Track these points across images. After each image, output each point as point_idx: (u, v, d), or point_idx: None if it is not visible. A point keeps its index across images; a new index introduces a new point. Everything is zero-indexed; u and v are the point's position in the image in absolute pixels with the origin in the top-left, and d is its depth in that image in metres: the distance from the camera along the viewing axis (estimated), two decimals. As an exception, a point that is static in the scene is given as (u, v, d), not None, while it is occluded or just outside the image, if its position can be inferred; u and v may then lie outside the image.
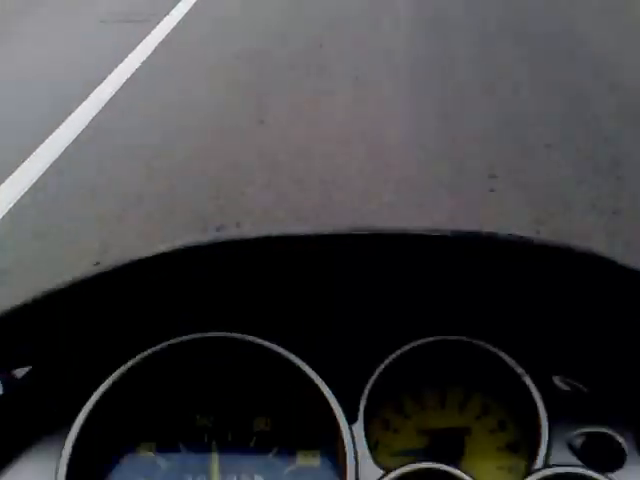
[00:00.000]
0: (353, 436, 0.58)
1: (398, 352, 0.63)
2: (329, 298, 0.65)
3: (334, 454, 0.63)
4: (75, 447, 0.57)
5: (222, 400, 0.65)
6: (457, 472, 0.57)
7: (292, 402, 0.64)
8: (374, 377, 0.62)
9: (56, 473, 0.56)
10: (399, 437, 0.64)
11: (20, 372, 0.61)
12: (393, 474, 0.58)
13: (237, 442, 0.64)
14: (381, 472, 0.58)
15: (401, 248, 0.60)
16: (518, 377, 0.63)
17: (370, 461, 0.59)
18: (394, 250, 0.60)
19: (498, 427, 0.65)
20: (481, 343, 0.64)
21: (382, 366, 0.63)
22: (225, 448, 0.63)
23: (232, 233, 0.62)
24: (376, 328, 0.65)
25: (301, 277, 0.63)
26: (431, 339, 0.64)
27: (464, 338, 0.64)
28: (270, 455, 0.63)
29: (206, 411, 0.65)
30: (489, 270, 0.62)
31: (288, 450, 0.63)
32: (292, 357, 0.62)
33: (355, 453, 0.57)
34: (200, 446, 0.64)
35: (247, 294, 0.65)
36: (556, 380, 0.65)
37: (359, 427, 0.60)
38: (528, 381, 0.62)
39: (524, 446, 0.64)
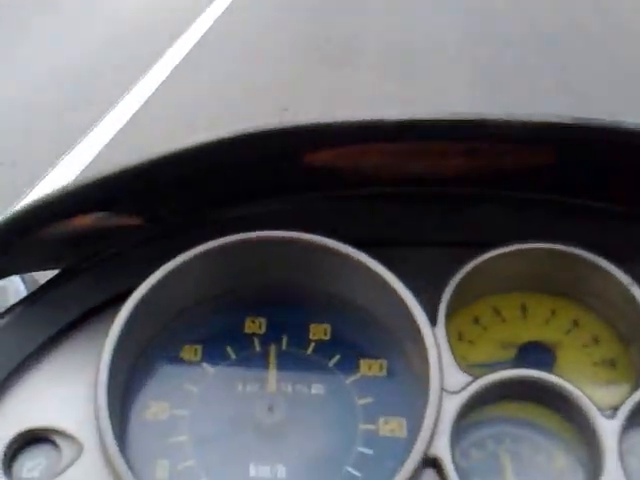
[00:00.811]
0: (436, 339, 0.50)
1: (479, 259, 0.55)
2: (406, 193, 0.56)
3: (403, 364, 0.55)
4: (118, 343, 0.50)
5: (275, 304, 0.58)
6: (560, 381, 0.49)
7: (355, 308, 0.56)
8: (454, 281, 0.54)
9: (97, 373, 0.48)
10: (475, 349, 0.56)
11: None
12: (482, 381, 0.49)
13: (291, 350, 0.56)
14: (468, 378, 0.50)
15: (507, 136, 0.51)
16: (621, 287, 0.54)
17: (454, 368, 0.50)
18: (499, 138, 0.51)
19: (592, 342, 0.57)
20: (576, 250, 0.55)
21: (462, 271, 0.54)
22: (277, 355, 0.55)
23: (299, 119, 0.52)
24: (456, 229, 0.57)
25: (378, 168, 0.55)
26: (518, 246, 0.55)
27: (557, 245, 0.55)
28: (329, 364, 0.55)
29: (257, 315, 0.57)
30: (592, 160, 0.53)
31: (350, 359, 0.55)
32: (362, 256, 0.53)
33: (439, 357, 0.49)
34: (250, 353, 0.56)
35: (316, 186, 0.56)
36: None
37: (440, 330, 0.52)
38: (637, 292, 0.53)
39: (623, 362, 0.55)
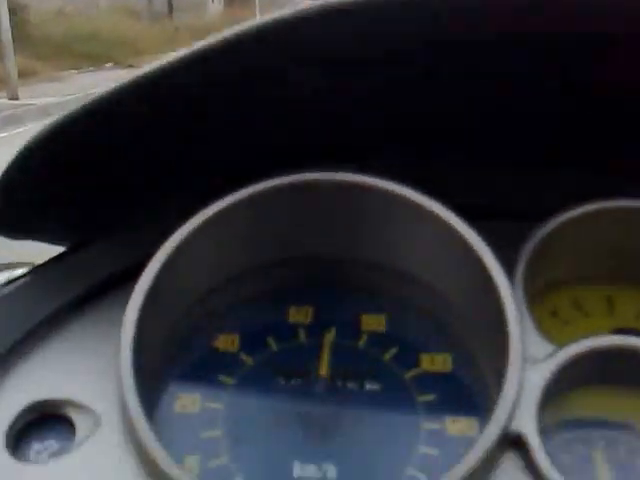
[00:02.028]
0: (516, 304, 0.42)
1: (560, 217, 0.47)
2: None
3: (471, 359, 0.47)
4: (143, 309, 0.43)
5: (323, 292, 0.51)
6: None
7: (416, 289, 0.49)
8: (534, 237, 0.46)
9: (121, 339, 0.42)
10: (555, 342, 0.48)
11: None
12: (572, 348, 0.41)
13: (341, 342, 0.49)
14: (554, 347, 0.42)
15: None
16: None
17: (536, 334, 0.42)
18: None
19: None
20: None
21: (543, 229, 0.47)
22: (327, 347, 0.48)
23: None
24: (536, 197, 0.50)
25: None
26: (603, 204, 0.47)
27: None
28: (385, 358, 0.48)
29: (302, 303, 0.51)
30: None
31: (408, 353, 0.48)
32: (434, 205, 0.45)
33: (519, 318, 0.41)
34: (294, 344, 0.49)
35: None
36: None
37: (518, 291, 0.44)
38: None
39: None
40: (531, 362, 0.40)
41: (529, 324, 0.42)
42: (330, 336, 0.49)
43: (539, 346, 0.41)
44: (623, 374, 0.42)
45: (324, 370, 0.47)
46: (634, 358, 0.41)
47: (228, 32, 0.37)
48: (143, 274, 0.43)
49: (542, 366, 0.40)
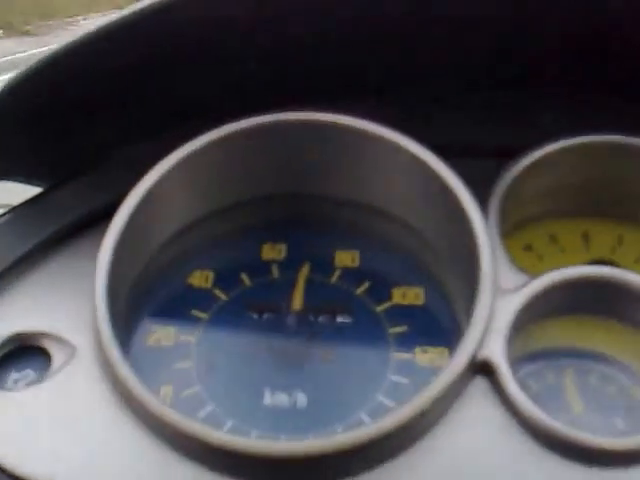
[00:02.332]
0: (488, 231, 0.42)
1: (536, 153, 0.47)
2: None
3: (443, 292, 0.47)
4: (117, 246, 0.43)
5: (296, 229, 0.51)
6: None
7: (389, 224, 0.49)
8: (508, 173, 0.46)
9: (95, 276, 0.42)
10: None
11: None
12: (544, 279, 0.41)
13: (313, 277, 0.49)
14: (526, 277, 0.42)
15: None
16: None
17: (509, 265, 0.42)
18: None
19: None
20: None
21: (517, 165, 0.46)
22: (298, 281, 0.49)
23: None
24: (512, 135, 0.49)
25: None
26: (581, 139, 0.47)
27: (622, 138, 0.47)
28: (357, 292, 0.48)
29: (275, 240, 0.51)
30: None
31: (380, 287, 0.48)
32: (403, 140, 0.45)
33: (492, 248, 0.41)
34: (267, 280, 0.49)
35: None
36: None
37: (492, 223, 0.44)
38: None
39: None
40: (502, 292, 0.40)
41: (502, 256, 0.42)
42: (305, 271, 0.49)
43: (511, 277, 0.41)
44: (594, 304, 0.42)
45: (298, 304, 0.47)
46: (605, 288, 0.41)
47: None
48: (117, 213, 0.44)
49: (513, 296, 0.40)
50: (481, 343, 0.38)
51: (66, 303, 0.44)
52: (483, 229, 0.41)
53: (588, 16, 0.45)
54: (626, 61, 0.47)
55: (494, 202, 0.44)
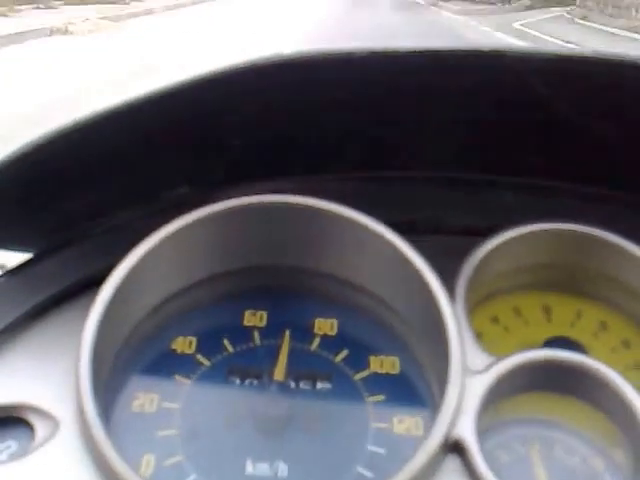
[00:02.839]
0: (455, 314, 0.45)
1: (498, 237, 0.50)
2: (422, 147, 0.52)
3: (417, 362, 0.50)
4: (102, 319, 0.44)
5: (278, 296, 0.53)
6: (597, 365, 0.44)
7: (365, 298, 0.52)
8: (473, 257, 0.49)
9: (79, 347, 0.43)
10: (497, 349, 0.51)
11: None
12: (509, 361, 0.44)
13: (294, 345, 0.51)
14: (493, 358, 0.45)
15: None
16: None
17: (477, 347, 0.45)
18: None
19: (621, 346, 0.52)
20: (600, 232, 0.51)
21: (481, 249, 0.50)
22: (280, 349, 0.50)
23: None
24: (475, 215, 0.53)
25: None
26: (539, 226, 0.51)
27: (580, 226, 0.51)
28: (336, 360, 0.50)
29: (257, 307, 0.53)
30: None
31: (359, 355, 0.50)
32: (375, 225, 0.48)
33: (459, 331, 0.44)
34: (249, 346, 0.51)
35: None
36: None
37: (459, 306, 0.47)
38: None
39: None
40: (471, 373, 0.43)
41: (469, 337, 0.45)
42: (287, 341, 0.51)
43: (479, 358, 0.45)
44: (555, 383, 0.45)
45: (280, 374, 0.49)
46: (564, 370, 0.44)
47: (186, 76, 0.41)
48: (102, 289, 0.45)
49: (481, 377, 0.43)
50: (453, 423, 0.41)
51: (50, 374, 0.45)
52: (450, 314, 0.45)
53: (541, 111, 0.49)
54: (582, 151, 0.52)
55: (462, 283, 0.48)
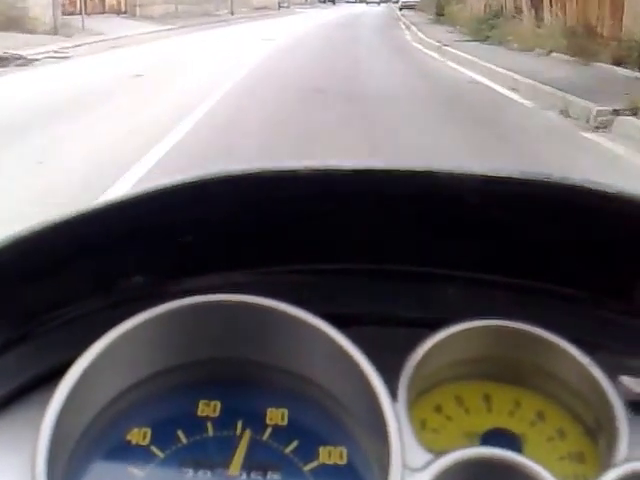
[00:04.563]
0: (397, 414, 0.48)
1: (439, 334, 0.54)
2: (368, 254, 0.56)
3: (364, 452, 0.52)
4: (56, 421, 0.46)
5: (230, 386, 0.55)
6: (530, 464, 0.46)
7: (313, 389, 0.54)
8: (414, 355, 0.52)
9: (34, 450, 0.45)
10: (440, 438, 0.54)
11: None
12: (446, 459, 0.47)
13: (246, 434, 0.53)
14: (431, 456, 0.47)
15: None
16: (581, 368, 0.53)
17: (416, 445, 0.48)
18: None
19: (557, 435, 0.55)
20: (535, 329, 0.54)
21: (422, 346, 0.53)
22: (231, 441, 0.53)
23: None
24: (420, 309, 0.56)
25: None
26: (477, 323, 0.55)
27: (516, 323, 0.55)
28: (286, 450, 0.52)
29: (210, 397, 0.55)
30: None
31: (308, 446, 0.53)
32: (322, 324, 0.52)
33: (400, 431, 0.47)
34: (203, 437, 0.53)
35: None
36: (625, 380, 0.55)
37: (401, 406, 0.50)
38: (597, 374, 0.52)
39: (591, 456, 0.53)
40: (410, 471, 0.46)
41: (410, 434, 0.48)
42: (248, 433, 0.53)
43: (418, 454, 0.47)
44: (489, 478, 0.48)
45: (237, 464, 0.51)
46: (497, 467, 0.47)
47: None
48: (60, 385, 0.47)
49: (420, 474, 0.46)
50: None
51: (6, 470, 0.47)
52: (392, 412, 0.47)
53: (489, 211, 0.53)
54: (516, 248, 0.56)
55: (403, 382, 0.51)
